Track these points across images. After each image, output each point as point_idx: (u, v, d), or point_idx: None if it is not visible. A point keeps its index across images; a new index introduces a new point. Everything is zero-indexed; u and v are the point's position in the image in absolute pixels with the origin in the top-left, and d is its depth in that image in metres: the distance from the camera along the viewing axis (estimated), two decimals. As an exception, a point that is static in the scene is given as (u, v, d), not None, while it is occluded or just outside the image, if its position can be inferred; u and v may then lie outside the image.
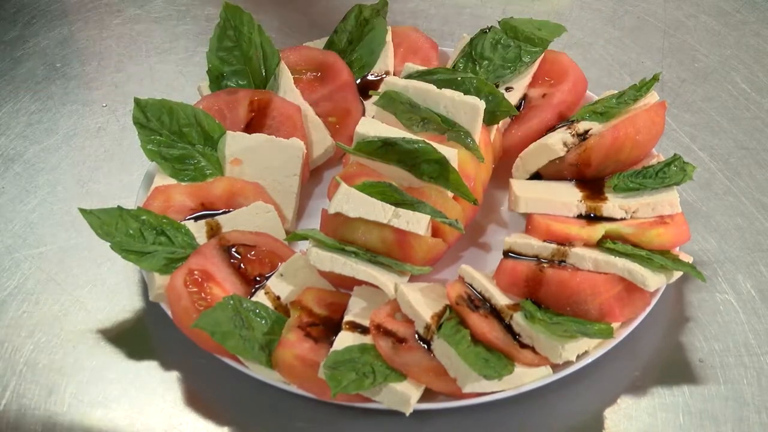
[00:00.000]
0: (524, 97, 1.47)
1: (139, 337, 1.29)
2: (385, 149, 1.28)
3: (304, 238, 1.25)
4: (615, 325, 1.21)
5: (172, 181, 1.36)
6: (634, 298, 1.22)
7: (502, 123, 1.42)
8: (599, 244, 1.25)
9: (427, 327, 1.17)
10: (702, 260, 1.35)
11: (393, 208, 1.23)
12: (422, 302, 1.20)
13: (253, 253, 1.28)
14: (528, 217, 1.32)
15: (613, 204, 1.29)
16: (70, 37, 1.73)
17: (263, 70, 1.47)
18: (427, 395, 1.16)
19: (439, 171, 1.26)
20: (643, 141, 1.34)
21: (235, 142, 1.39)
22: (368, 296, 1.23)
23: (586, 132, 1.35)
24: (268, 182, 1.38)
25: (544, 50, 1.48)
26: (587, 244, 1.25)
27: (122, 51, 1.71)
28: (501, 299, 1.22)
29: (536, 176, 1.38)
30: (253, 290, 1.26)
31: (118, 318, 1.30)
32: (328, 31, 1.56)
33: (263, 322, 1.20)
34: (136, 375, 1.24)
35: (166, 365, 1.26)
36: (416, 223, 1.22)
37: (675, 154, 1.33)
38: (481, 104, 1.31)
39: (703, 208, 1.43)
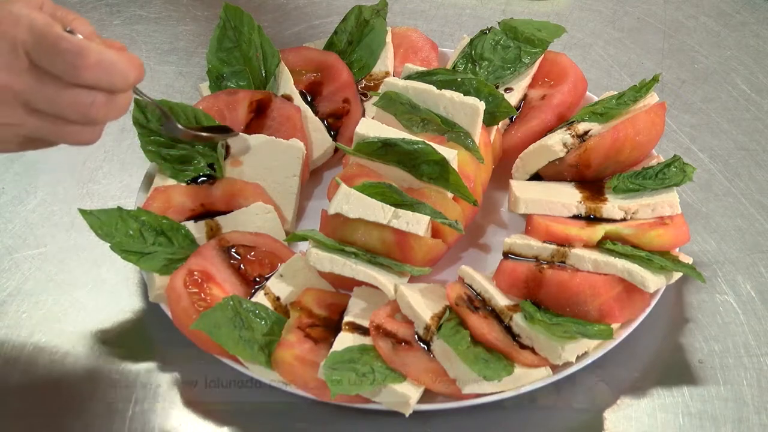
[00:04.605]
0: (524, 98, 1.47)
1: (139, 338, 1.29)
2: (384, 150, 1.28)
3: (304, 238, 1.25)
4: (615, 326, 1.21)
5: (172, 182, 1.36)
6: (633, 299, 1.22)
7: (502, 124, 1.42)
8: (599, 245, 1.25)
9: (427, 328, 1.17)
10: (702, 261, 1.35)
11: (393, 208, 1.23)
12: (422, 303, 1.20)
13: (252, 253, 1.28)
14: (528, 218, 1.32)
15: (612, 205, 1.29)
16: (70, 37, 1.72)
17: (263, 71, 1.47)
18: (427, 396, 1.16)
19: (439, 172, 1.26)
20: (642, 142, 1.34)
21: (235, 143, 1.39)
22: (368, 297, 1.23)
23: (586, 133, 1.35)
24: (267, 183, 1.38)
25: (544, 51, 1.48)
26: (587, 245, 1.25)
27: (122, 51, 1.71)
28: (501, 300, 1.22)
29: (536, 177, 1.38)
30: (253, 291, 1.26)
31: (118, 318, 1.30)
32: (328, 32, 1.56)
33: (263, 322, 1.20)
34: (136, 375, 1.24)
35: (166, 365, 1.26)
36: (416, 223, 1.22)
37: (675, 155, 1.33)
38: (481, 105, 1.31)
39: (703, 209, 1.43)
